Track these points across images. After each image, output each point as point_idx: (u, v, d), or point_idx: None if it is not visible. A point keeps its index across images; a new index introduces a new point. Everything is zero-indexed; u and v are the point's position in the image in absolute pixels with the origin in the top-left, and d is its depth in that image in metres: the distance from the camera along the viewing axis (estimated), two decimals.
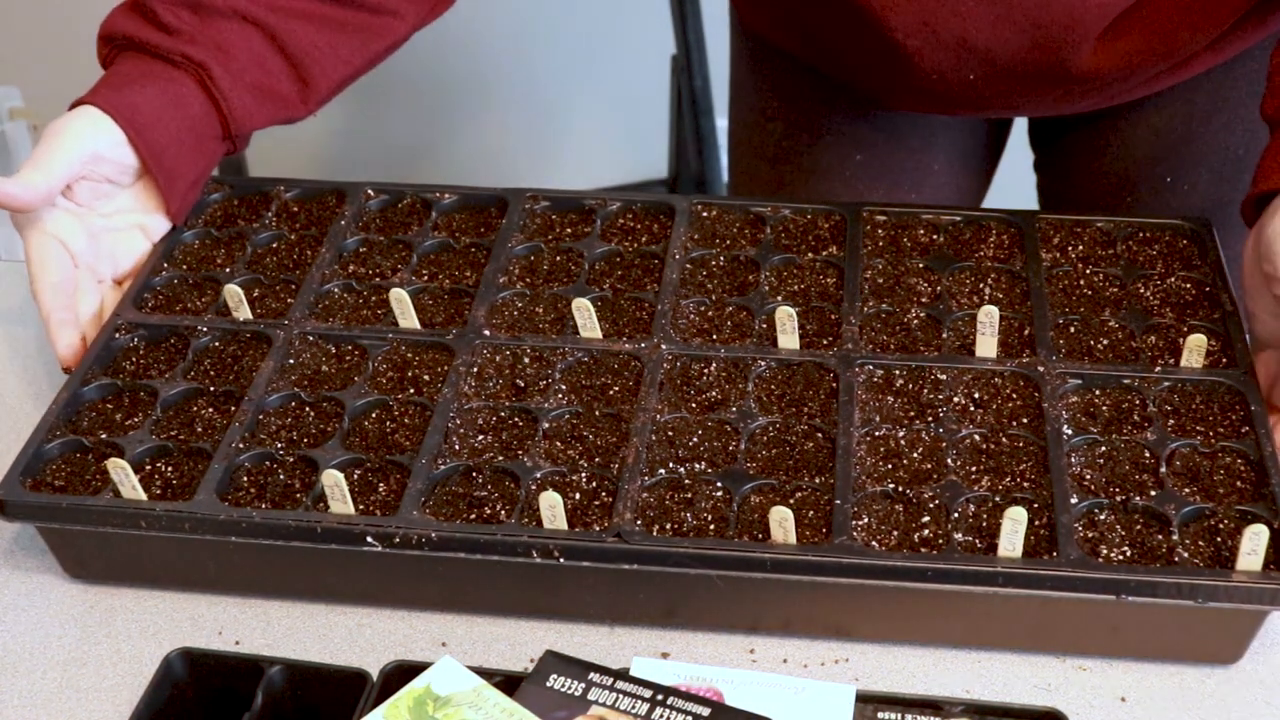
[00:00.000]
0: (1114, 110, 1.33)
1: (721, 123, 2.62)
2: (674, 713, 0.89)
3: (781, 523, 0.95)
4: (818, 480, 1.01)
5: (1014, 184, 1.57)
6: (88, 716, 0.96)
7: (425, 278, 1.20)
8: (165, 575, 1.04)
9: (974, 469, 1.02)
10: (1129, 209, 1.35)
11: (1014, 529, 0.93)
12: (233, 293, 1.15)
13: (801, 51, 1.35)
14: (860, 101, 1.37)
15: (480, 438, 1.05)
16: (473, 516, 0.99)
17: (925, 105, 1.31)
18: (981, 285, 1.17)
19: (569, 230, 1.25)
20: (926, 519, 0.98)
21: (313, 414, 1.08)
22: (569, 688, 0.91)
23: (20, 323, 1.30)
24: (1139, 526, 0.98)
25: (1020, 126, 1.48)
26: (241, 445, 1.04)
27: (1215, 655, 0.97)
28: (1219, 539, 0.96)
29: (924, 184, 1.42)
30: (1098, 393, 1.07)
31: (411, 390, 1.09)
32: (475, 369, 1.11)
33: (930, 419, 1.05)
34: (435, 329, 1.14)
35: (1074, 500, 0.98)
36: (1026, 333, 1.12)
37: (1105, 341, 1.11)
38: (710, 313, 1.16)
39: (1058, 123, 1.40)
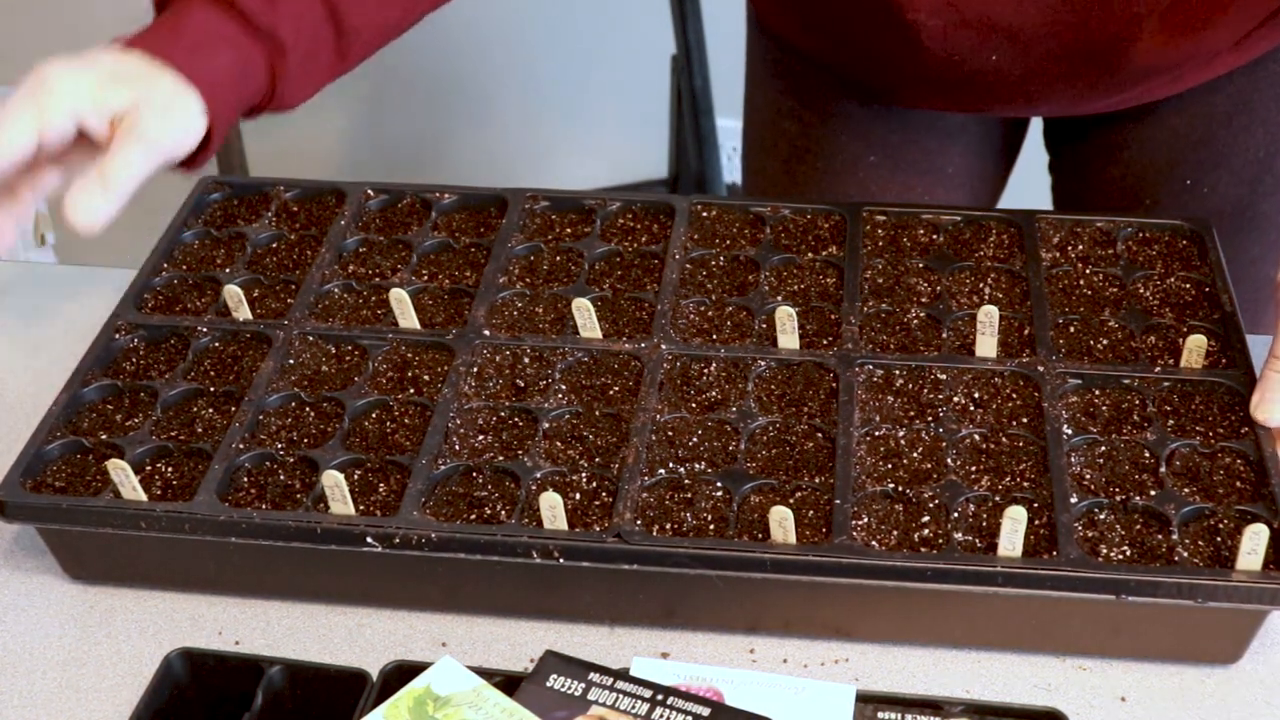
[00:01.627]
0: (1132, 111, 1.32)
1: (722, 122, 2.63)
2: (674, 713, 0.90)
3: (781, 523, 0.95)
4: (818, 480, 1.01)
5: (1028, 185, 1.57)
6: (88, 717, 0.96)
7: (425, 278, 1.20)
8: (165, 576, 1.04)
9: (974, 469, 1.02)
10: (1147, 212, 1.34)
11: (1014, 528, 0.93)
12: (232, 293, 1.15)
13: (817, 45, 1.34)
14: (876, 100, 1.37)
15: (480, 438, 1.05)
16: (473, 517, 0.99)
17: (940, 100, 1.30)
18: (981, 285, 1.17)
19: (569, 230, 1.25)
20: (926, 519, 0.98)
21: (313, 414, 1.08)
22: (569, 688, 0.91)
23: (21, 322, 1.30)
24: (1139, 526, 0.98)
25: (1036, 129, 1.47)
26: (241, 446, 1.04)
27: (1215, 655, 0.98)
28: (1219, 539, 0.96)
29: (938, 186, 1.42)
30: (1097, 393, 1.07)
31: (411, 390, 1.09)
32: (475, 369, 1.11)
33: (930, 419, 1.05)
34: (435, 329, 1.14)
35: (1074, 500, 0.98)
36: (1026, 333, 1.12)
37: (1105, 341, 1.11)
38: (710, 313, 1.16)
39: (1074, 124, 1.39)
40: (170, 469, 1.04)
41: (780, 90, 1.44)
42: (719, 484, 1.01)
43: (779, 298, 1.16)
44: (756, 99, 1.49)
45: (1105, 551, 0.96)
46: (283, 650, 1.00)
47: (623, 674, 0.92)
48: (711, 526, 0.98)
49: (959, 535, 0.97)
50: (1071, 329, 1.13)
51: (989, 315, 1.09)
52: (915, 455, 1.03)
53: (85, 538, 1.02)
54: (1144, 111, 1.32)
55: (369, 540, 0.97)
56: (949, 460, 1.02)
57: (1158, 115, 1.32)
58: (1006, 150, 1.46)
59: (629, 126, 2.85)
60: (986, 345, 1.10)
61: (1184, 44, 1.19)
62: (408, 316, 1.14)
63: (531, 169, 2.91)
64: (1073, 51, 1.18)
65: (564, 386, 1.09)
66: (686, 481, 1.01)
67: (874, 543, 0.97)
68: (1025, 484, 1.00)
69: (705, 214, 1.25)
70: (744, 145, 1.54)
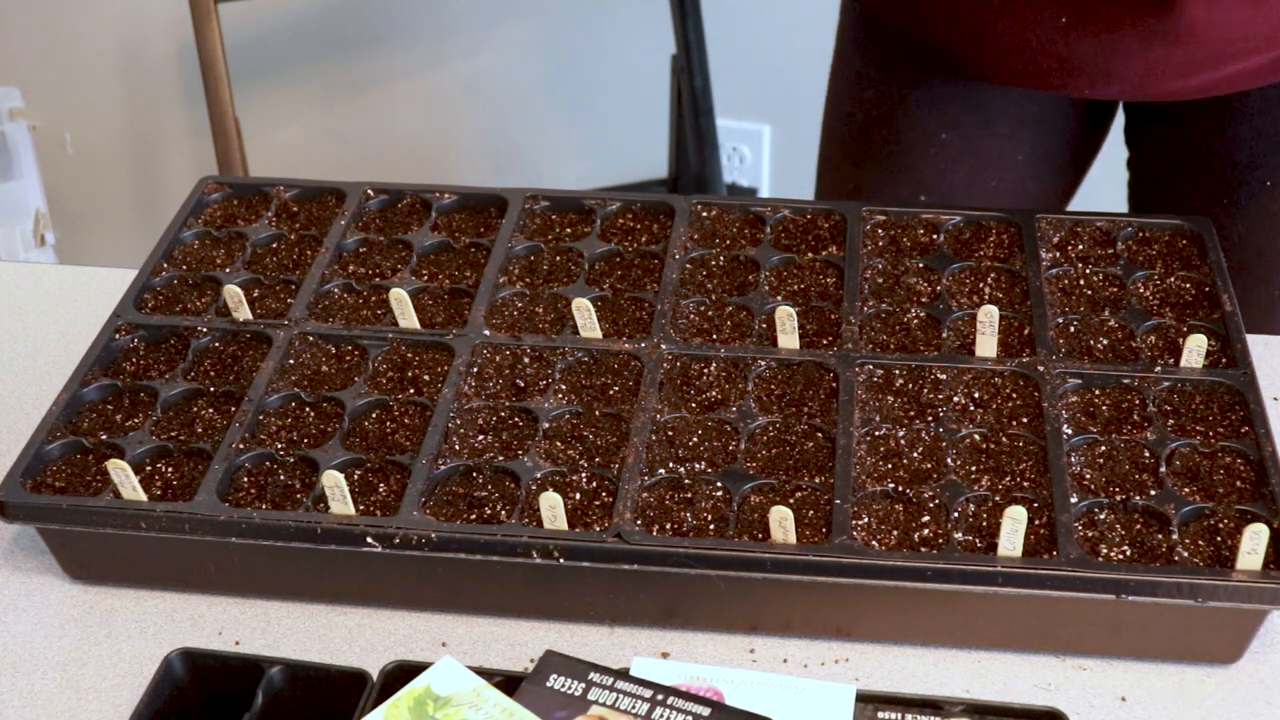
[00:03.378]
0: (1214, 106, 1.31)
1: (722, 122, 2.62)
2: (674, 713, 0.89)
3: (781, 522, 0.95)
4: (818, 480, 1.01)
5: (1104, 187, 1.56)
6: (88, 717, 0.96)
7: (425, 278, 1.20)
8: (165, 576, 1.04)
9: (974, 468, 1.02)
10: (1225, 211, 1.33)
11: (1014, 528, 0.93)
12: (232, 293, 1.15)
13: (903, 15, 1.34)
14: (957, 74, 1.36)
15: (480, 438, 1.05)
16: (473, 516, 0.99)
17: (1017, 74, 1.29)
18: (981, 285, 1.17)
19: (569, 230, 1.25)
20: (926, 519, 0.98)
21: (313, 414, 1.08)
22: (569, 688, 0.91)
23: (21, 322, 1.30)
24: (1139, 526, 0.98)
25: (1115, 136, 1.46)
26: (241, 446, 1.04)
27: (1215, 655, 0.97)
28: (1219, 538, 0.96)
29: (1007, 174, 1.41)
30: (1097, 392, 1.07)
31: (411, 390, 1.09)
32: (475, 369, 1.11)
33: (930, 419, 1.05)
34: (435, 329, 1.14)
35: (1074, 500, 0.98)
36: (1026, 332, 1.12)
37: (1105, 341, 1.11)
38: (710, 313, 1.16)
39: (1154, 117, 1.38)
40: (170, 469, 1.04)
41: (864, 60, 1.45)
42: (719, 484, 1.01)
43: (779, 298, 1.16)
44: (841, 66, 1.49)
45: (1105, 551, 0.96)
46: (283, 650, 1.00)
47: (623, 674, 0.92)
48: (711, 526, 0.98)
49: (959, 535, 0.97)
50: (1071, 329, 1.13)
51: (989, 315, 1.09)
52: (915, 455, 1.03)
53: (85, 538, 1.02)
54: (1225, 109, 1.30)
55: (369, 540, 0.97)
56: (949, 460, 1.02)
57: (1240, 114, 1.30)
58: (1082, 148, 1.45)
59: (629, 126, 2.85)
60: (986, 345, 1.10)
61: (1260, 25, 1.17)
62: (408, 316, 1.14)
63: (531, 169, 2.91)
64: (1137, 13, 1.17)
65: (564, 386, 1.09)
66: (686, 481, 1.01)
67: (874, 543, 0.97)
68: (1025, 484, 1.00)
69: (705, 214, 1.25)
70: (824, 111, 1.54)
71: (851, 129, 1.47)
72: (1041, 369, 1.08)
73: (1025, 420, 1.05)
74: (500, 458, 1.04)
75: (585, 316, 1.12)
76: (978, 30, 1.26)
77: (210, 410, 1.08)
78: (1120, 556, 0.96)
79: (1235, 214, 1.32)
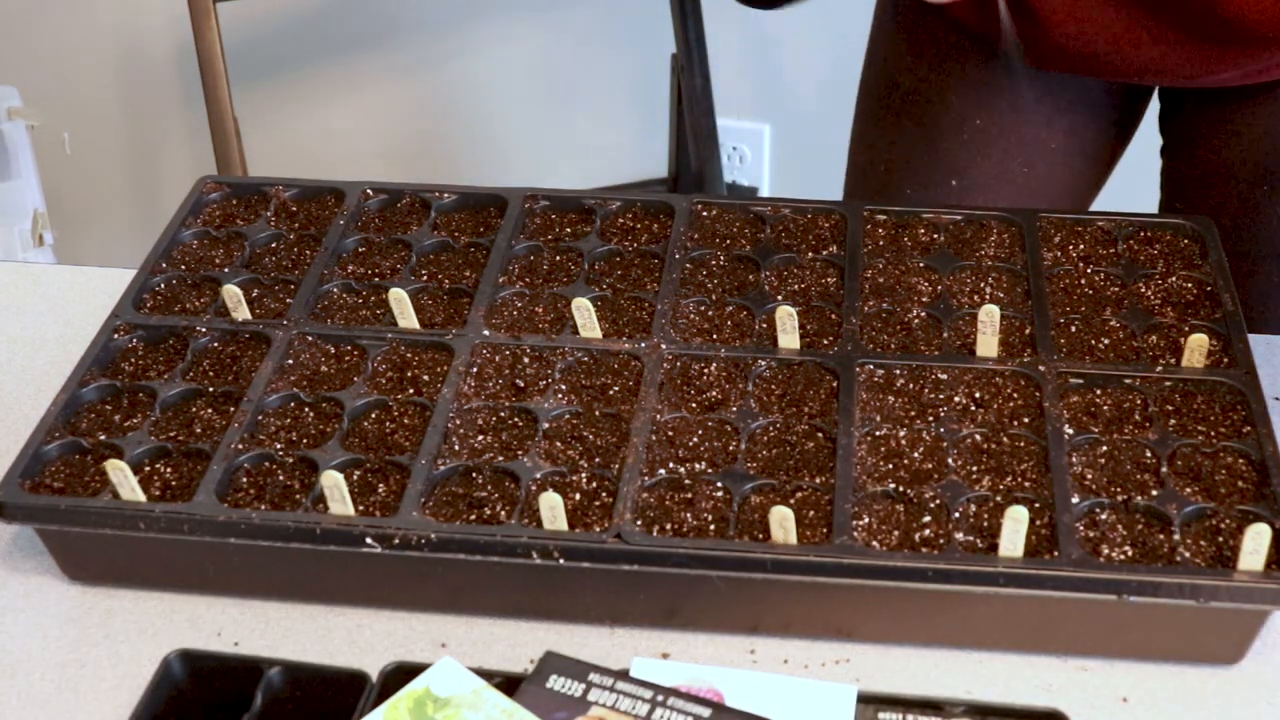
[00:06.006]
0: (1247, 93, 1.29)
1: (722, 122, 2.62)
2: (674, 713, 0.89)
3: (782, 523, 0.95)
4: (818, 480, 1.01)
5: (1130, 179, 1.55)
6: (86, 718, 0.96)
7: (424, 277, 1.20)
8: (164, 576, 1.04)
9: (975, 469, 1.01)
10: (1258, 203, 1.32)
11: (1015, 529, 0.93)
12: (231, 293, 1.15)
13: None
14: (992, 61, 1.35)
15: (480, 438, 1.05)
16: (473, 517, 0.99)
17: (1063, 61, 1.29)
18: (982, 284, 1.17)
19: (569, 230, 1.25)
20: (927, 519, 0.98)
21: (312, 414, 1.08)
22: (569, 688, 0.91)
23: (19, 322, 1.29)
24: (1140, 526, 0.97)
25: (1149, 121, 1.46)
26: (241, 446, 1.04)
27: (1217, 655, 0.97)
28: (1220, 539, 0.96)
29: (1038, 162, 1.40)
30: (1099, 392, 1.07)
31: (411, 390, 1.09)
32: (475, 369, 1.10)
33: (931, 419, 1.05)
34: (435, 329, 1.14)
35: (1075, 500, 0.98)
36: (1027, 332, 1.12)
37: (1106, 341, 1.11)
38: (710, 312, 1.15)
39: (1188, 105, 1.37)
40: (169, 469, 1.04)
41: (901, 42, 1.44)
42: (719, 484, 1.01)
43: (779, 297, 1.16)
44: (878, 50, 1.49)
45: (1107, 551, 0.96)
46: (282, 651, 0.99)
47: (623, 675, 0.92)
48: (711, 526, 0.98)
49: (960, 535, 0.97)
50: (1073, 328, 1.13)
51: (990, 315, 1.09)
52: (916, 455, 1.02)
53: (84, 538, 1.01)
54: (1257, 102, 1.29)
55: (368, 541, 0.97)
56: (950, 460, 1.02)
57: (1272, 106, 1.29)
58: (1117, 135, 1.44)
59: (629, 126, 2.85)
60: (987, 345, 1.09)
61: None
62: (407, 316, 1.14)
63: (531, 169, 2.91)
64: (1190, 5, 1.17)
65: (564, 386, 1.09)
66: (686, 481, 1.01)
67: (875, 543, 0.96)
68: (1026, 484, 1.00)
69: (705, 214, 1.25)
70: (859, 94, 1.53)
71: (886, 112, 1.46)
72: (1043, 369, 1.08)
73: (1026, 420, 1.05)
74: (500, 458, 1.03)
75: (585, 316, 1.12)
76: (1023, 25, 1.25)
77: (209, 410, 1.08)
78: (1122, 557, 0.95)
79: (1263, 205, 1.31)
